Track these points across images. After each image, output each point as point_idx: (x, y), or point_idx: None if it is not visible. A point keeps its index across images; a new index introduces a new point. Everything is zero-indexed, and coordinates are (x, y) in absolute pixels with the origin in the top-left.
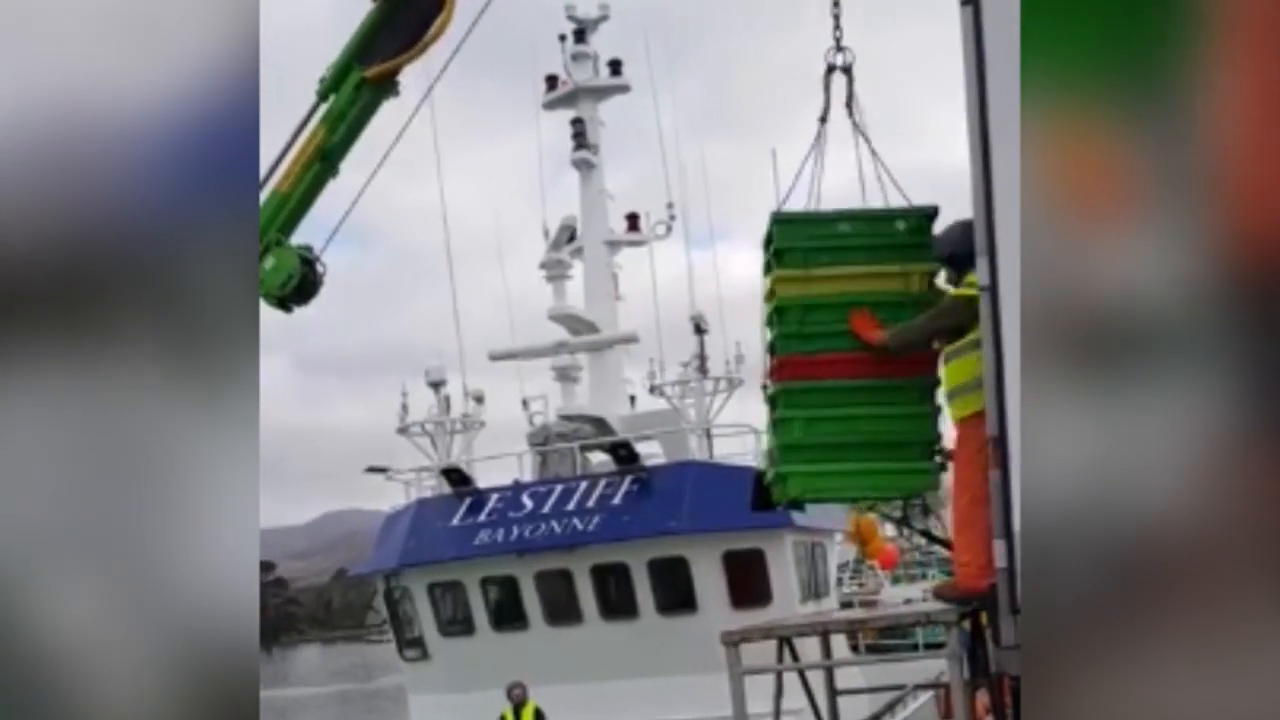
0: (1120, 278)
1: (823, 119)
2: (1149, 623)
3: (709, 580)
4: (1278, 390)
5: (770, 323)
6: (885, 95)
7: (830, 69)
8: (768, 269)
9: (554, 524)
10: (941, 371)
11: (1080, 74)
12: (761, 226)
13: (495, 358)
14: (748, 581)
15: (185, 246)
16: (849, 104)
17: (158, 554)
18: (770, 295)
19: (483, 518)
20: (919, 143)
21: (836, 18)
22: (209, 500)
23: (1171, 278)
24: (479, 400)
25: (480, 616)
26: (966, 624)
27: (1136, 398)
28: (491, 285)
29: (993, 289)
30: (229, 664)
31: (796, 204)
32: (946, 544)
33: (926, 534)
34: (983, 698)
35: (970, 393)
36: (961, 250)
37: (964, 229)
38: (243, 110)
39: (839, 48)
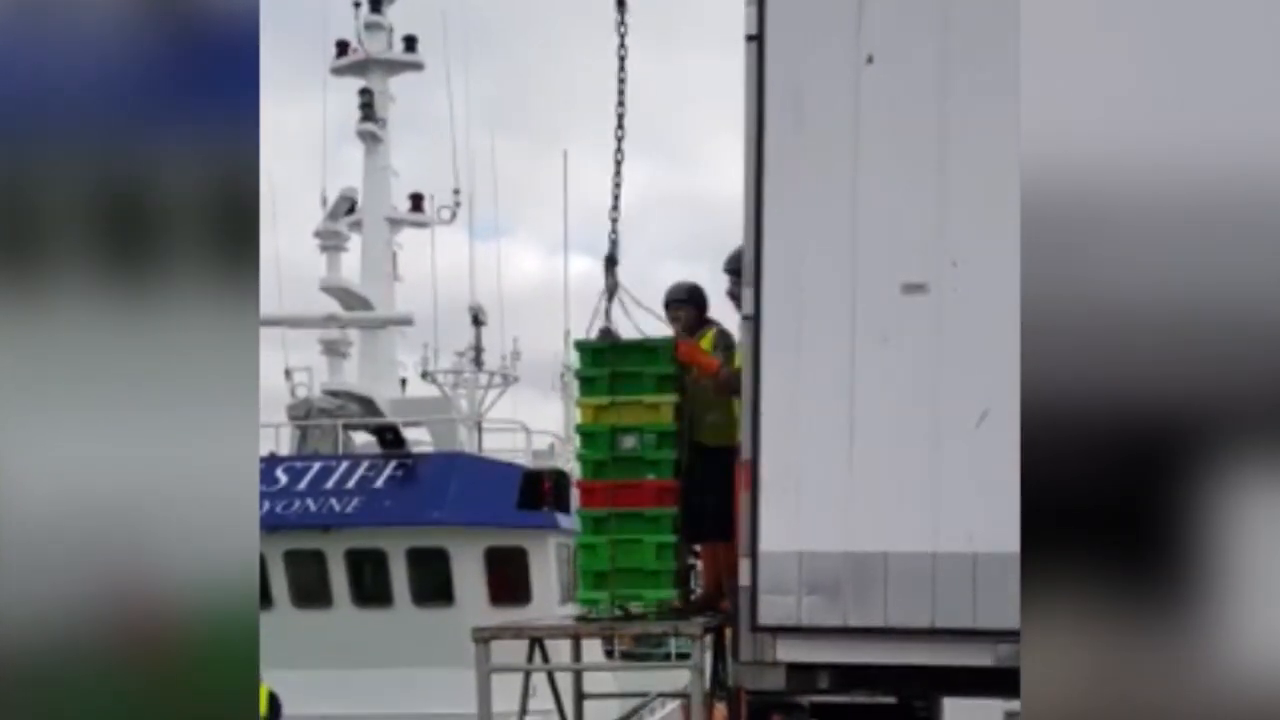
0: None
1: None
2: None
3: (469, 574)
4: None
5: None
6: (663, 122)
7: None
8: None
9: (309, 502)
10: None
11: None
12: (548, 226)
13: (259, 324)
14: (508, 579)
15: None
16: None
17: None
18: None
19: None
20: (692, 170)
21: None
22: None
23: None
24: None
25: None
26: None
27: None
28: (261, 248)
29: (756, 319)
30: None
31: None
32: (698, 555)
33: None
34: (722, 710)
35: None
36: None
37: None
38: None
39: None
